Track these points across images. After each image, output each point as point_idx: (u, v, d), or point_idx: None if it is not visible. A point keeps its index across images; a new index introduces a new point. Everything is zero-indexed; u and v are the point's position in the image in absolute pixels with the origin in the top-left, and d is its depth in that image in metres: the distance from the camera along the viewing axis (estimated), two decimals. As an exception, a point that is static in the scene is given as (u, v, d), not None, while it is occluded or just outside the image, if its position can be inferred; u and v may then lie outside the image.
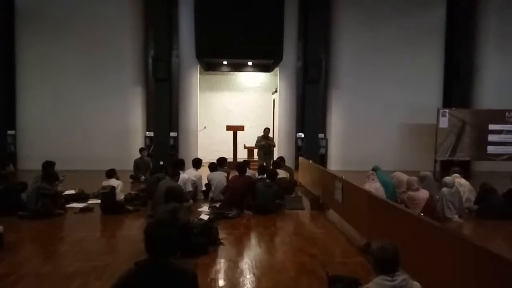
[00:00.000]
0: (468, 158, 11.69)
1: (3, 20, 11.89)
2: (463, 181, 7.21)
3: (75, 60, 12.27)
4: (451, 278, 3.12)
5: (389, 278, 2.42)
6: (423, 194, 6.04)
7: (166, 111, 12.44)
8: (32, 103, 12.29)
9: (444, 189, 6.40)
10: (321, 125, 13.15)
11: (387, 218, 4.40)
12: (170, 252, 2.42)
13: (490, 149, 11.55)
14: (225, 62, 13.93)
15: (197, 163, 8.12)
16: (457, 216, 6.34)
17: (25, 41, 12.22)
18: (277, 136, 13.33)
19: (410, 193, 6.17)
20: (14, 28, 12.18)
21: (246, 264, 4.45)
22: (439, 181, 7.24)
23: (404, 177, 7.53)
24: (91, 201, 7.33)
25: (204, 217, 5.21)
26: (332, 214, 6.66)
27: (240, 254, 4.80)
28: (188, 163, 8.72)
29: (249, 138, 13.20)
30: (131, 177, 9.92)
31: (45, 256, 4.72)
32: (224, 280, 4.00)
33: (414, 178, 6.36)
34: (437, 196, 6.45)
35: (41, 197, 6.29)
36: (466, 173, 9.24)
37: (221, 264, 4.43)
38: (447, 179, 6.60)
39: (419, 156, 12.39)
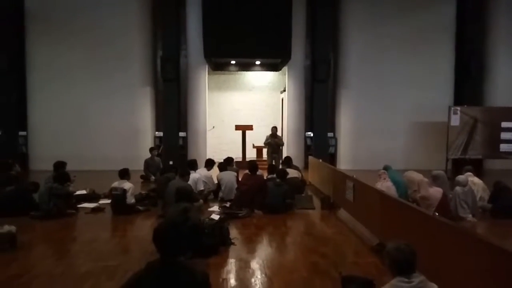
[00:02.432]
0: (480, 157, 11.52)
1: (13, 21, 12.00)
2: (476, 179, 7.11)
3: (84, 60, 12.35)
4: (466, 278, 3.05)
5: (406, 280, 2.37)
6: (437, 193, 5.95)
7: (174, 111, 12.48)
8: (43, 103, 12.39)
9: (458, 188, 6.31)
10: (330, 124, 13.09)
11: (400, 217, 4.34)
12: (181, 252, 2.40)
13: (503, 147, 11.37)
14: (233, 62, 13.93)
15: (209, 164, 8.12)
16: (471, 215, 6.24)
17: (34, 42, 12.33)
18: (286, 135, 13.28)
19: (423, 192, 6.08)
20: (24, 30, 12.29)
21: (258, 264, 4.42)
22: (452, 180, 7.13)
23: (416, 176, 7.45)
24: (102, 201, 7.37)
25: (215, 217, 5.19)
26: (343, 213, 6.61)
27: (251, 254, 4.78)
28: (199, 162, 8.71)
29: (257, 137, 13.18)
30: (142, 177, 9.96)
31: (58, 256, 4.74)
32: (236, 281, 3.98)
33: (426, 180, 6.28)
34: (450, 195, 6.36)
35: (53, 197, 6.33)
36: (478, 171, 9.11)
37: (233, 264, 4.41)
38: (460, 177, 6.51)
39: (429, 154, 12.25)
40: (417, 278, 2.39)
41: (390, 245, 2.52)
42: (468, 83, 12.67)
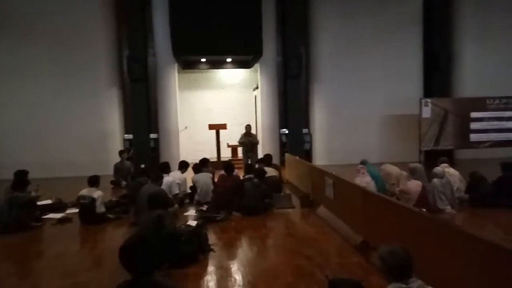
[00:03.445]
0: (452, 147, 11.74)
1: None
2: (452, 170, 7.14)
3: (47, 64, 11.68)
4: (454, 272, 2.97)
5: (404, 286, 2.21)
6: (416, 186, 5.91)
7: (144, 112, 12.02)
8: (4, 110, 11.64)
9: (435, 180, 6.30)
10: (305, 120, 12.99)
11: (383, 213, 4.22)
12: (153, 268, 2.14)
13: (473, 137, 11.64)
14: (203, 60, 13.59)
15: (183, 166, 7.80)
16: (449, 207, 6.24)
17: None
18: (260, 132, 13.09)
19: (402, 186, 6.02)
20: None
21: (240, 271, 4.19)
22: (428, 171, 7.14)
23: (393, 169, 7.44)
24: (69, 211, 6.94)
25: (192, 222, 4.92)
26: (323, 211, 6.47)
27: (232, 261, 4.54)
28: (172, 164, 8.37)
29: (232, 136, 12.94)
30: (112, 182, 9.52)
31: (20, 274, 4.35)
32: (218, 291, 3.74)
33: (404, 174, 6.24)
34: (428, 188, 6.34)
35: (15, 208, 5.86)
36: (450, 162, 9.24)
37: (213, 273, 4.17)
38: (437, 169, 6.51)
39: (403, 147, 12.36)
40: (415, 283, 2.23)
41: (383, 249, 2.35)
42: (437, 74, 12.88)
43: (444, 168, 6.87)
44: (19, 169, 6.92)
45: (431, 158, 10.85)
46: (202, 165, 7.85)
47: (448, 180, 6.50)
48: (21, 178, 6.59)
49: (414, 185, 5.95)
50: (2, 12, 11.53)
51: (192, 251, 4.41)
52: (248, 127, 10.65)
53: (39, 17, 11.57)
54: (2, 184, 7.14)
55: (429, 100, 11.52)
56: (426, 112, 11.32)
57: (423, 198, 5.88)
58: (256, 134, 12.16)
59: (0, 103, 11.64)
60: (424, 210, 3.84)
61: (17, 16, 11.56)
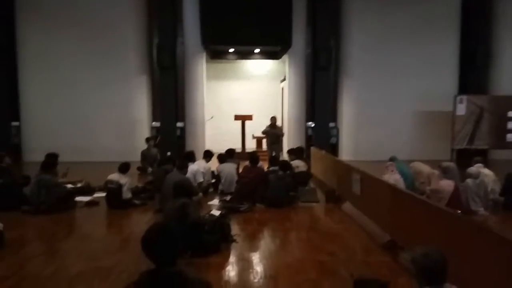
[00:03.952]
0: (486, 147, 11.25)
1: (3, 10, 11.56)
2: (486, 171, 6.81)
3: (78, 49, 11.94)
4: (488, 277, 2.81)
5: (437, 291, 2.07)
6: (448, 186, 5.65)
7: (172, 101, 12.10)
8: (36, 93, 12.02)
9: (469, 181, 6.03)
10: (332, 113, 12.74)
11: (412, 213, 4.05)
12: (176, 257, 2.09)
13: (509, 137, 11.10)
14: (231, 50, 13.53)
15: (207, 155, 7.80)
16: (482, 209, 5.97)
17: (26, 31, 11.90)
18: (286, 125, 12.96)
19: (434, 185, 5.79)
20: (15, 19, 11.85)
21: (261, 263, 4.14)
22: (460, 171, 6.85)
23: (423, 167, 7.18)
24: (97, 194, 7.07)
25: (216, 212, 4.89)
26: (348, 207, 6.32)
27: (254, 252, 4.49)
28: (197, 153, 8.39)
29: (257, 127, 12.85)
30: (138, 168, 9.66)
31: (48, 255, 4.45)
32: (239, 283, 3.69)
33: (436, 172, 5.99)
34: (461, 188, 6.07)
35: (43, 189, 6.01)
36: (484, 162, 8.85)
37: (235, 264, 4.13)
38: (472, 169, 6.23)
39: (434, 145, 11.96)
40: (450, 289, 2.09)
41: (416, 251, 2.21)
42: (473, 71, 12.35)
43: (478, 168, 6.57)
44: (49, 152, 7.08)
45: (464, 157, 10.45)
46: (229, 155, 7.82)
47: (483, 181, 6.21)
48: (49, 160, 6.74)
49: (447, 185, 5.69)
50: (35, 3, 11.82)
51: (215, 241, 4.39)
52: (273, 119, 10.53)
53: (71, 8, 11.82)
54: (34, 166, 7.34)
55: (464, 97, 11.04)
56: (461, 110, 10.86)
57: (455, 199, 5.62)
58: (282, 127, 12.03)
59: (35, 89, 12.01)
60: (459, 212, 3.64)
61: (52, 5, 11.84)
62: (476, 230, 3.05)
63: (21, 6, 11.87)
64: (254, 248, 4.64)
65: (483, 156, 9.99)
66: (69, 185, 7.15)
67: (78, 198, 6.77)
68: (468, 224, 3.21)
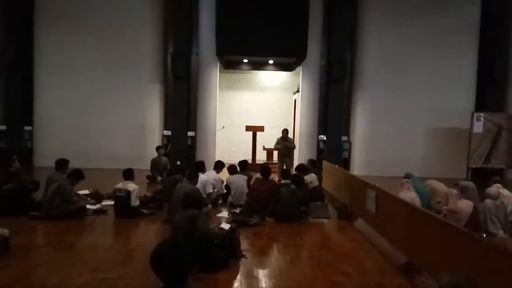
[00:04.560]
0: (503, 166, 10.95)
1: (21, 13, 11.70)
2: (506, 192, 6.56)
3: (93, 54, 12.01)
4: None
5: (467, 325, 1.91)
6: (467, 206, 5.45)
7: (184, 110, 12.06)
8: (50, 98, 12.08)
9: (488, 201, 5.80)
10: (345, 127, 12.53)
11: (432, 234, 3.86)
12: (186, 276, 1.97)
13: (527, 156, 10.80)
14: (245, 60, 13.50)
15: (218, 166, 7.70)
16: (502, 231, 5.73)
17: (42, 36, 12.01)
18: (298, 138, 12.80)
19: (451, 205, 5.58)
20: (32, 22, 11.99)
21: (271, 281, 3.98)
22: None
23: (439, 185, 6.97)
24: (105, 202, 6.98)
25: (225, 225, 4.75)
26: (361, 224, 6.13)
27: (264, 269, 4.33)
28: (207, 164, 8.29)
29: (268, 139, 12.75)
30: (148, 177, 9.59)
31: (53, 264, 4.34)
32: (248, 301, 3.54)
33: (455, 192, 5.78)
34: (480, 209, 5.85)
35: (58, 197, 5.94)
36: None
37: (243, 281, 3.98)
38: (491, 190, 6.00)
39: (448, 162, 11.68)
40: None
41: (445, 280, 2.04)
42: (491, 88, 12.09)
43: (497, 188, 6.34)
44: (60, 158, 7.04)
45: (479, 176, 10.16)
46: (241, 167, 7.69)
47: (502, 202, 5.98)
48: (63, 168, 6.72)
49: (465, 205, 5.49)
50: (55, 7, 11.97)
51: (224, 256, 4.24)
52: (285, 132, 10.39)
53: (88, 14, 11.93)
54: (44, 171, 7.32)
55: (482, 114, 10.78)
56: (478, 127, 10.61)
57: (474, 220, 5.42)
58: (293, 139, 11.89)
59: (48, 94, 12.09)
60: (484, 235, 3.45)
61: (67, 12, 11.96)
62: (499, 255, 2.87)
63: (39, 9, 11.98)
64: (263, 265, 4.49)
65: (499, 176, 9.74)
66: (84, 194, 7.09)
67: (86, 206, 6.69)
68: (491, 248, 3.03)
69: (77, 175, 6.38)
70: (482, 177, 9.82)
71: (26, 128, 11.90)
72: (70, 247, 4.92)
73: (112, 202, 6.56)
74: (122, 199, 6.15)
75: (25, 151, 11.71)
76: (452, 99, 12.16)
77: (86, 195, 7.19)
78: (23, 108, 11.88)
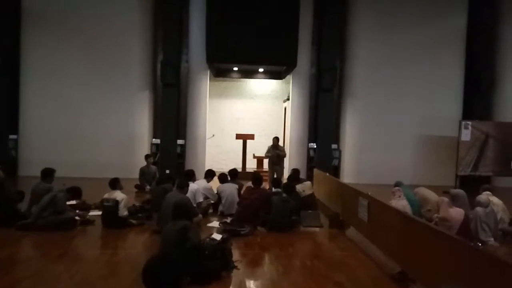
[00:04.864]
0: (491, 174, 11.07)
1: (8, 18, 11.51)
2: (495, 199, 6.60)
3: (81, 61, 11.85)
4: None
5: None
6: (458, 214, 5.47)
7: (173, 118, 11.96)
8: (36, 105, 11.86)
9: (479, 209, 5.82)
10: (335, 135, 12.57)
11: (425, 242, 3.84)
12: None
13: (515, 164, 10.93)
14: (235, 68, 13.50)
15: (209, 174, 7.61)
16: (492, 239, 5.75)
17: (29, 43, 11.82)
18: (288, 146, 12.79)
19: (443, 213, 5.59)
20: (19, 27, 11.80)
21: (265, 293, 3.90)
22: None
23: (429, 193, 7.00)
24: (92, 213, 6.82)
25: (217, 236, 4.65)
26: (353, 233, 6.10)
27: (256, 280, 4.26)
28: (196, 172, 8.19)
29: (258, 147, 12.71)
30: (136, 186, 9.44)
31: (38, 278, 4.18)
32: (241, 314, 3.46)
33: (446, 200, 5.80)
34: (470, 216, 5.87)
35: (51, 207, 5.79)
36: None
37: (236, 293, 3.89)
38: (481, 197, 6.02)
39: (437, 170, 11.80)
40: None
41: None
42: (478, 96, 12.29)
43: (487, 196, 6.38)
44: (46, 167, 6.87)
45: (467, 184, 10.26)
46: (231, 176, 7.60)
47: (492, 209, 6.01)
48: (48, 177, 6.56)
49: (456, 213, 5.51)
50: (43, 12, 11.82)
51: (215, 267, 4.15)
52: (275, 140, 10.36)
53: (77, 19, 11.80)
54: (30, 180, 7.14)
55: (469, 122, 10.90)
56: (466, 135, 10.72)
57: (465, 228, 5.43)
58: (284, 147, 11.87)
59: (34, 101, 11.86)
60: (480, 244, 3.44)
61: (55, 17, 11.82)
62: (493, 263, 2.86)
63: (27, 15, 11.79)
64: (256, 276, 4.41)
65: (487, 183, 9.83)
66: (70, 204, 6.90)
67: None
68: (485, 256, 3.02)
69: (76, 193, 6.29)
70: (470, 184, 9.92)
71: (11, 136, 11.64)
72: (56, 259, 4.76)
73: (99, 213, 6.41)
74: (109, 209, 6.02)
75: (10, 160, 11.44)
76: (440, 107, 12.33)
77: (73, 205, 7.01)
78: (8, 116, 11.64)
